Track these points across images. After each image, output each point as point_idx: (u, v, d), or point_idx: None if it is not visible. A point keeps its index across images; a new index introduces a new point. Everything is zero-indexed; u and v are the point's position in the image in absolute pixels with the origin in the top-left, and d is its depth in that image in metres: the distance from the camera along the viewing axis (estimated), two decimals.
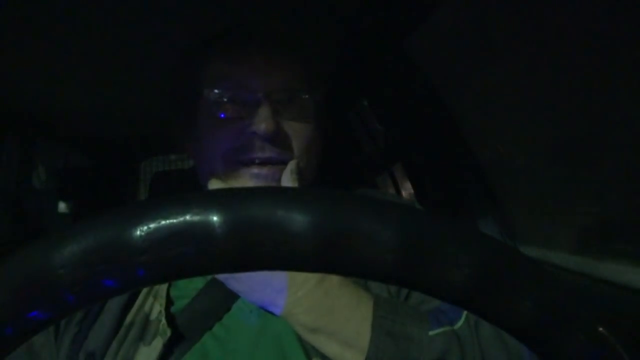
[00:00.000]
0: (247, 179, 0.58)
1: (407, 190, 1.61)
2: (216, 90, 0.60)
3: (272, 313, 0.53)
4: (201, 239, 0.20)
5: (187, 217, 0.20)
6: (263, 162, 0.58)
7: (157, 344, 0.53)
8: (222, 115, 0.60)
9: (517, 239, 1.07)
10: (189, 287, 0.60)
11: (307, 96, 0.63)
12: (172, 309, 0.58)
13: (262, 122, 0.57)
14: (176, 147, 2.84)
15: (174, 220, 0.20)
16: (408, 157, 1.40)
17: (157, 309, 0.57)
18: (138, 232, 0.20)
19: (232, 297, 0.57)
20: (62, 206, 2.14)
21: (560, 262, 0.87)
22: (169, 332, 0.54)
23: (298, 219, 0.20)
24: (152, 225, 0.20)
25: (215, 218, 0.20)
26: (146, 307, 0.57)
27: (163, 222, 0.20)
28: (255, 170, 0.58)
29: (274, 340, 0.55)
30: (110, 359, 0.53)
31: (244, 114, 0.59)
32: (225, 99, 0.60)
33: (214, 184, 0.59)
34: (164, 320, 0.55)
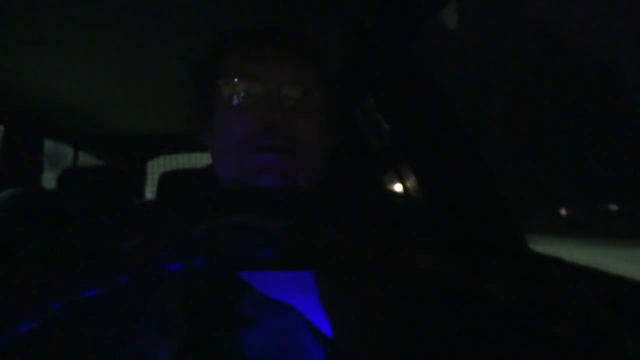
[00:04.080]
0: (257, 166, 0.59)
1: (413, 188, 1.61)
2: (231, 83, 0.62)
3: (286, 304, 0.55)
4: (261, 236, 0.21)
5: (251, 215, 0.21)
6: (272, 149, 0.60)
7: (175, 340, 0.54)
8: (236, 106, 0.62)
9: (524, 234, 1.06)
10: (205, 282, 0.61)
11: (318, 92, 0.64)
12: (189, 305, 0.59)
13: (271, 110, 0.59)
14: (184, 146, 2.86)
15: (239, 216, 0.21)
16: (414, 155, 1.39)
17: (174, 305, 0.58)
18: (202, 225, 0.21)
19: (245, 290, 0.58)
20: (68, 205, 2.15)
21: (566, 256, 0.87)
22: (186, 328, 0.55)
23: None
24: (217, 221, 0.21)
25: (276, 218, 0.21)
26: (164, 304, 0.58)
27: (228, 218, 0.21)
28: (265, 155, 0.59)
29: (287, 332, 0.56)
30: (129, 355, 0.54)
31: (256, 105, 0.61)
32: (239, 91, 0.62)
33: (228, 174, 0.61)
34: (181, 316, 0.56)
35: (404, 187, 1.64)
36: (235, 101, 0.62)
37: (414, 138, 1.32)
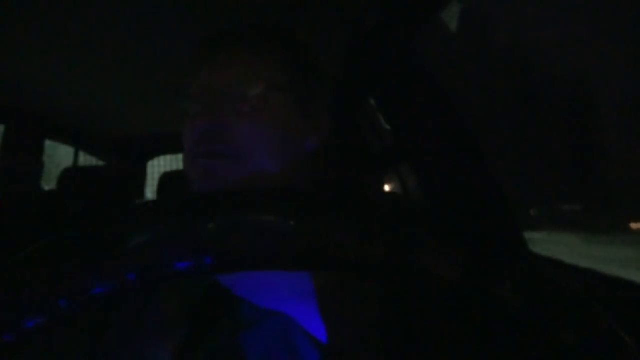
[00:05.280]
0: (199, 172, 0.60)
1: (413, 189, 1.61)
2: (185, 92, 0.64)
3: (280, 312, 0.54)
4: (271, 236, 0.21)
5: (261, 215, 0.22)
6: (208, 155, 0.60)
7: (173, 341, 0.54)
8: (186, 114, 0.64)
9: (523, 235, 1.06)
10: (204, 284, 0.61)
11: (269, 94, 0.63)
12: (188, 306, 0.59)
13: (205, 116, 0.60)
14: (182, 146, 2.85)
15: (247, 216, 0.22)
16: (415, 155, 1.39)
17: (173, 307, 0.58)
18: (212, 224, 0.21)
19: (240, 302, 0.58)
20: (69, 205, 2.15)
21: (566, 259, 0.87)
22: (184, 331, 0.55)
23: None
24: (227, 219, 0.21)
25: (285, 218, 0.21)
26: (163, 304, 0.58)
27: (236, 217, 0.22)
28: (202, 162, 0.60)
29: (286, 337, 0.56)
30: (128, 356, 0.54)
31: (197, 112, 0.62)
32: (191, 98, 0.63)
33: (190, 180, 0.62)
34: (180, 318, 0.56)
35: (407, 188, 1.64)
36: (189, 109, 0.63)
37: (415, 139, 1.32)
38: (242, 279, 0.56)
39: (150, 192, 2.92)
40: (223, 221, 0.21)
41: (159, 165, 3.10)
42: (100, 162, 2.71)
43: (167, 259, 0.21)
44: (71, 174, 2.12)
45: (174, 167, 3.02)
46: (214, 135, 0.60)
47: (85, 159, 2.62)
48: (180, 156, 3.20)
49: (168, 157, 3.15)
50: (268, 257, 0.21)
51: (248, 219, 0.21)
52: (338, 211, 0.22)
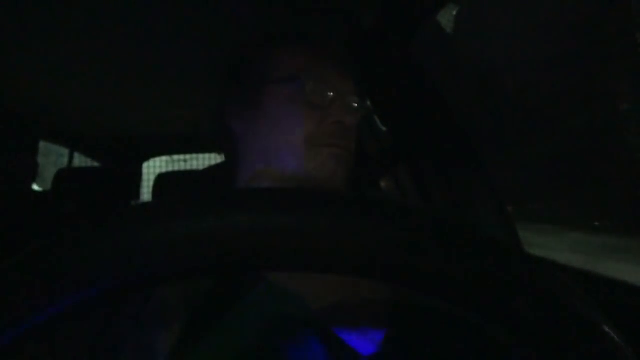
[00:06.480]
0: (327, 159, 0.65)
1: (411, 192, 1.61)
2: (299, 81, 0.66)
3: (290, 296, 0.55)
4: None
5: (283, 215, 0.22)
6: (339, 147, 0.66)
7: (177, 329, 0.54)
8: (306, 103, 0.66)
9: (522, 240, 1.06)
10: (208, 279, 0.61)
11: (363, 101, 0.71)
12: (192, 294, 0.59)
13: (348, 115, 0.66)
14: (180, 147, 2.85)
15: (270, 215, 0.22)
16: (412, 158, 1.39)
17: (177, 294, 0.58)
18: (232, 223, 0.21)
19: (249, 282, 0.58)
20: (65, 206, 2.14)
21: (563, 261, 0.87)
22: (187, 317, 0.55)
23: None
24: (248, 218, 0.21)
25: (291, 219, 0.21)
26: (166, 293, 0.58)
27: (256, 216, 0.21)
28: (336, 151, 0.65)
29: (289, 325, 0.56)
30: (131, 344, 0.54)
31: (325, 104, 0.66)
32: (308, 89, 0.66)
33: (292, 164, 0.65)
34: (183, 306, 0.56)
35: (404, 190, 1.64)
36: (305, 99, 0.66)
37: (413, 141, 1.32)
38: None
39: (146, 194, 2.91)
40: (254, 220, 0.21)
41: (155, 167, 3.09)
42: (96, 164, 2.70)
43: (183, 255, 0.21)
44: (66, 175, 2.11)
45: (170, 169, 3.02)
46: (350, 131, 0.67)
47: (80, 161, 2.61)
48: (175, 157, 3.20)
49: (164, 158, 3.14)
50: (274, 259, 0.21)
51: (281, 218, 0.21)
52: (344, 212, 0.22)
